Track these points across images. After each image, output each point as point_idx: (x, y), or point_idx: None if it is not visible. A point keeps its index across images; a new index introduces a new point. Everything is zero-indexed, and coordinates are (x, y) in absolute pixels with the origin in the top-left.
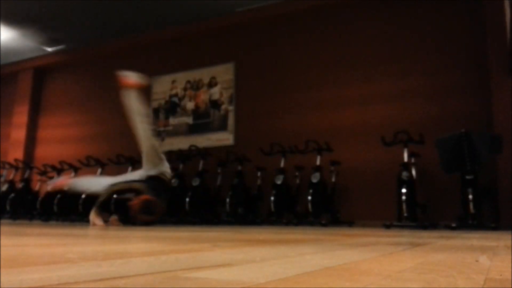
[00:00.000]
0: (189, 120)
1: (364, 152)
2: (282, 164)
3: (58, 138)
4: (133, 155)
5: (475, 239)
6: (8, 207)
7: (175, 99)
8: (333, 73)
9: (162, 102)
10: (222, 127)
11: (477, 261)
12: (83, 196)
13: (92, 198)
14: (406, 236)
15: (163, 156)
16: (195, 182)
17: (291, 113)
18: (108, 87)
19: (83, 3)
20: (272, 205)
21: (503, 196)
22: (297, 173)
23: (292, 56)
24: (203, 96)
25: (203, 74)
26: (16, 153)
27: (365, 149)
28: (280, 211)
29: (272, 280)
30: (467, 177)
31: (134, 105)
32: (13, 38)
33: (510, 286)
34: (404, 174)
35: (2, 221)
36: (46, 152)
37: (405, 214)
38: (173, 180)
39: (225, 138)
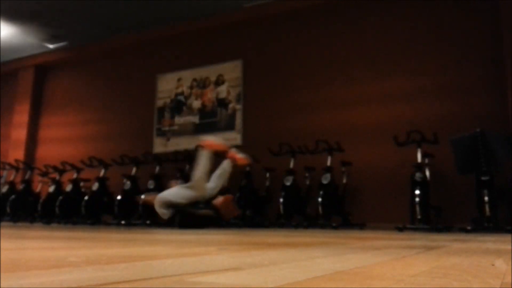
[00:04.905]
0: (195, 119)
1: (376, 152)
2: (291, 165)
3: (60, 138)
4: (138, 155)
5: (491, 242)
6: (8, 209)
7: (181, 98)
8: (345, 71)
9: (168, 100)
10: (230, 126)
11: (493, 265)
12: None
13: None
14: (420, 239)
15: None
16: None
17: (301, 112)
18: (111, 85)
19: None
20: (281, 207)
21: None
22: (307, 174)
23: (302, 53)
24: (210, 95)
25: (210, 71)
26: (17, 154)
27: (377, 149)
28: (290, 213)
29: (281, 284)
30: (483, 178)
31: (203, 160)
32: (14, 35)
33: None
34: (418, 175)
35: (3, 223)
36: (48, 152)
37: (419, 217)
38: (178, 181)
39: (232, 138)
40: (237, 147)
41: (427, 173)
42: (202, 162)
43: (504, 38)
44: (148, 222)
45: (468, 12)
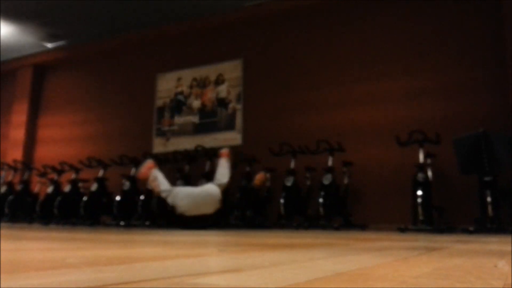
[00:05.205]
0: (195, 119)
1: (378, 152)
2: (292, 165)
3: (59, 138)
4: (137, 155)
5: (494, 243)
6: (6, 210)
7: (181, 98)
8: (345, 71)
9: (167, 100)
10: (230, 126)
11: (495, 266)
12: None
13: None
14: (422, 240)
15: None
16: (202, 184)
17: (301, 111)
18: (110, 84)
19: None
20: (282, 208)
21: None
22: (308, 175)
23: (303, 53)
24: (210, 94)
25: (210, 71)
26: (15, 154)
27: (379, 149)
28: (290, 214)
29: (282, 286)
30: (486, 178)
31: (225, 164)
32: (12, 33)
33: None
34: (420, 176)
35: (1, 224)
36: (46, 153)
37: (421, 218)
38: (178, 182)
39: (232, 138)
40: (238, 147)
41: (429, 173)
42: (229, 167)
43: (506, 38)
44: (147, 223)
45: (470, 12)
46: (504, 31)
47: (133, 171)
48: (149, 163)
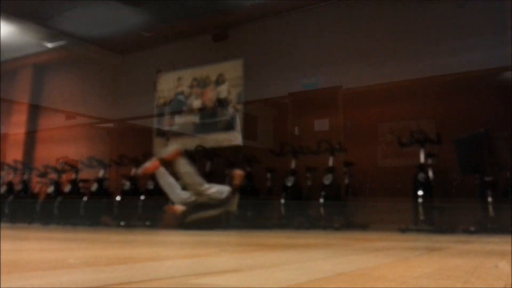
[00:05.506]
0: (195, 119)
1: (379, 152)
2: (293, 165)
3: (59, 138)
4: (137, 155)
5: (495, 243)
6: (6, 210)
7: (181, 97)
8: (347, 70)
9: (167, 100)
10: (230, 126)
11: (496, 266)
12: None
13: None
14: (423, 240)
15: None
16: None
17: (302, 111)
18: (110, 84)
19: None
20: (282, 208)
21: None
22: (308, 175)
23: (303, 52)
24: (210, 94)
25: (210, 71)
26: (15, 154)
27: (379, 149)
28: (291, 215)
29: (283, 286)
30: (486, 178)
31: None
32: (12, 33)
33: None
34: (421, 176)
35: (1, 224)
36: (46, 153)
37: (422, 218)
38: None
39: (233, 138)
40: (238, 147)
41: (430, 173)
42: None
43: (508, 37)
44: (148, 223)
45: (471, 12)
46: (506, 30)
47: (133, 171)
48: (154, 162)
